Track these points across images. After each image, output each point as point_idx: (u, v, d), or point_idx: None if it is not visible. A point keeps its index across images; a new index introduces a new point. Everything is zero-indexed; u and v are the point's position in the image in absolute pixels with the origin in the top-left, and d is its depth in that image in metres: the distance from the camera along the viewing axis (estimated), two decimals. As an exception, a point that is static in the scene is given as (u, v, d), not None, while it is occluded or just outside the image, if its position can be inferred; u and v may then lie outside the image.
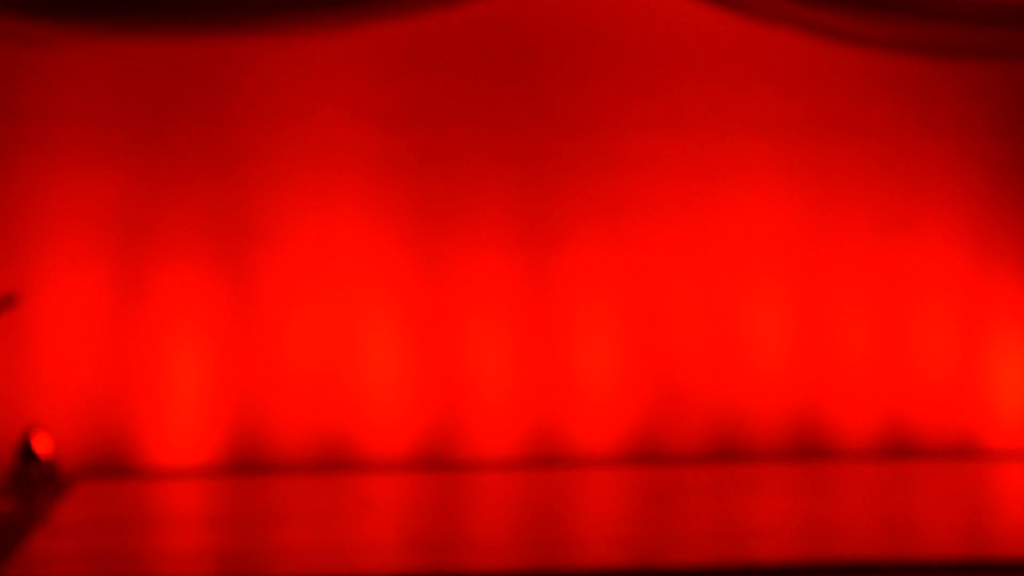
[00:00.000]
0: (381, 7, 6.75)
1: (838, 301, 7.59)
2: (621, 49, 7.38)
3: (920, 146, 7.67)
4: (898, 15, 6.87)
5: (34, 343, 6.72)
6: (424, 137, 7.17)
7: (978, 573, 3.91)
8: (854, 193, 7.61)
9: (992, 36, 7.07)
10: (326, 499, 5.72)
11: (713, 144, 7.44)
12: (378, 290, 7.09)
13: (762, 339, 7.49)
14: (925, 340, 7.65)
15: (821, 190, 7.60)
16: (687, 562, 4.02)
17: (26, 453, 6.38)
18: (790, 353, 7.53)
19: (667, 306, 7.42)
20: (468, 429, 7.17)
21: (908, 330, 7.65)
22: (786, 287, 7.55)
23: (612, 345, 7.37)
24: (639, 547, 4.32)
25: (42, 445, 6.41)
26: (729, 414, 7.44)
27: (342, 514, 5.16)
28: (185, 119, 6.89)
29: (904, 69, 7.56)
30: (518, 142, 7.29)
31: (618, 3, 7.35)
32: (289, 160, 7.02)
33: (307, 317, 7.02)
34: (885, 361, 7.61)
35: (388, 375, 7.10)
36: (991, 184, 7.78)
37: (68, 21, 6.26)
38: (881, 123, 7.62)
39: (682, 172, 7.43)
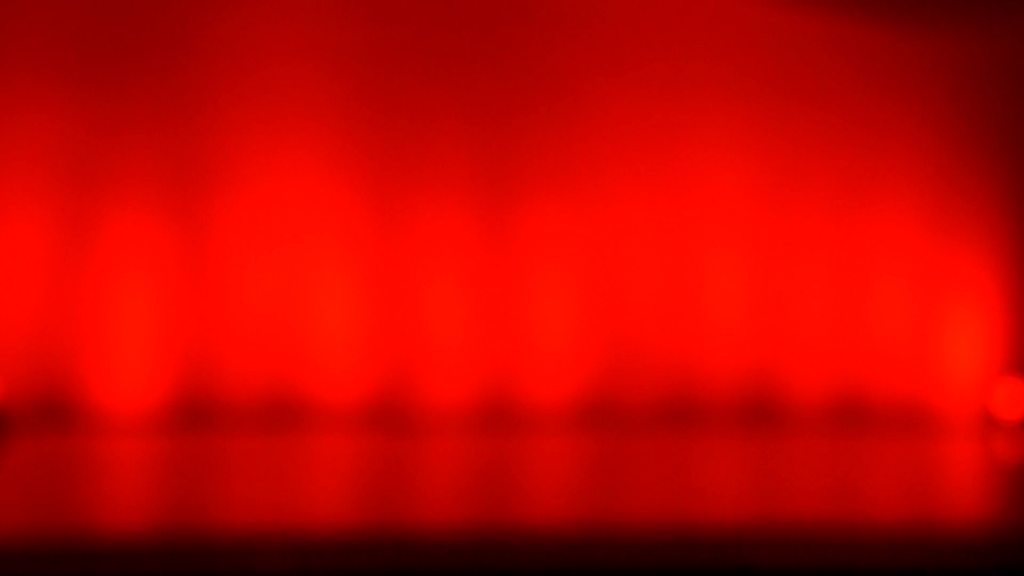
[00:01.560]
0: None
1: (795, 265, 7.60)
2: (586, 12, 7.33)
3: (880, 114, 7.67)
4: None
5: (-19, 285, 6.62)
6: (385, 89, 7.09)
7: (925, 537, 3.92)
8: (813, 159, 7.61)
9: (953, 6, 7.05)
10: (274, 449, 5.68)
11: (677, 105, 7.42)
12: (333, 240, 7.03)
13: (719, 300, 7.50)
14: (881, 305, 7.69)
15: (780, 154, 7.60)
16: (635, 524, 4.01)
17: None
18: (746, 314, 7.55)
19: (624, 264, 7.40)
20: (421, 381, 7.14)
21: (864, 295, 7.68)
22: (744, 249, 7.56)
23: (568, 301, 7.35)
24: (587, 507, 4.30)
25: (-12, 388, 6.32)
26: (684, 373, 7.46)
27: (289, 465, 5.12)
28: (141, 62, 6.78)
29: (865, 37, 7.56)
30: (481, 95, 7.22)
31: (584, -40, 7.29)
32: (246, 107, 6.93)
33: (260, 265, 6.95)
34: (841, 325, 7.64)
35: (341, 325, 7.06)
36: (949, 152, 7.80)
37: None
38: (841, 91, 7.62)
39: (642, 134, 7.41)
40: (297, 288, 7.01)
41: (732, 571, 3.72)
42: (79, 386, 6.68)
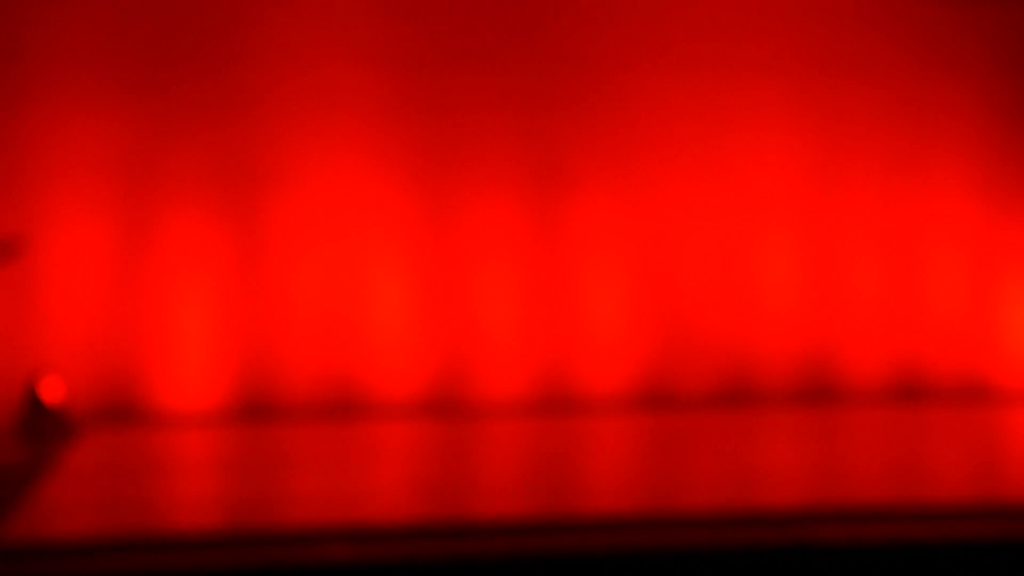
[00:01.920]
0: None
1: (848, 243, 7.56)
2: (630, -5, 7.31)
3: (931, 88, 7.60)
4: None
5: (42, 290, 6.72)
6: (432, 81, 7.12)
7: (987, 517, 3.91)
8: (865, 135, 7.56)
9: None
10: (335, 445, 5.74)
11: (723, 86, 7.38)
12: (386, 234, 7.08)
13: (772, 281, 7.47)
14: (936, 281, 7.63)
15: (832, 132, 7.55)
16: (696, 507, 4.02)
17: (34, 400, 6.39)
18: (800, 294, 7.51)
19: (677, 248, 7.39)
20: (477, 372, 7.18)
21: (919, 271, 7.63)
22: (796, 229, 7.52)
23: (621, 287, 7.36)
24: (647, 492, 4.32)
25: (51, 392, 6.42)
26: (739, 356, 7.44)
27: (351, 460, 5.17)
28: (191, 64, 6.84)
29: (915, 11, 7.49)
30: (526, 86, 7.23)
31: (626, -56, 7.27)
32: (296, 105, 6.98)
33: (315, 262, 7.01)
34: (896, 302, 7.59)
35: (396, 319, 7.10)
36: (1002, 126, 7.72)
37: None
38: (892, 65, 7.55)
39: (692, 114, 7.38)
40: (352, 284, 7.06)
41: (795, 551, 3.72)
42: (141, 385, 6.77)
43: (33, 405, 6.42)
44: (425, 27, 7.21)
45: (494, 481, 4.78)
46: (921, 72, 7.69)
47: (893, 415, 6.69)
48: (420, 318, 7.18)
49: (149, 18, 6.89)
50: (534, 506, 4.14)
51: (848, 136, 7.64)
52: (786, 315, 7.53)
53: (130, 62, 6.88)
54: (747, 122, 7.53)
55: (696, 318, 7.43)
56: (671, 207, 7.44)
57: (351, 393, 7.10)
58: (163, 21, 6.91)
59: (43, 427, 6.31)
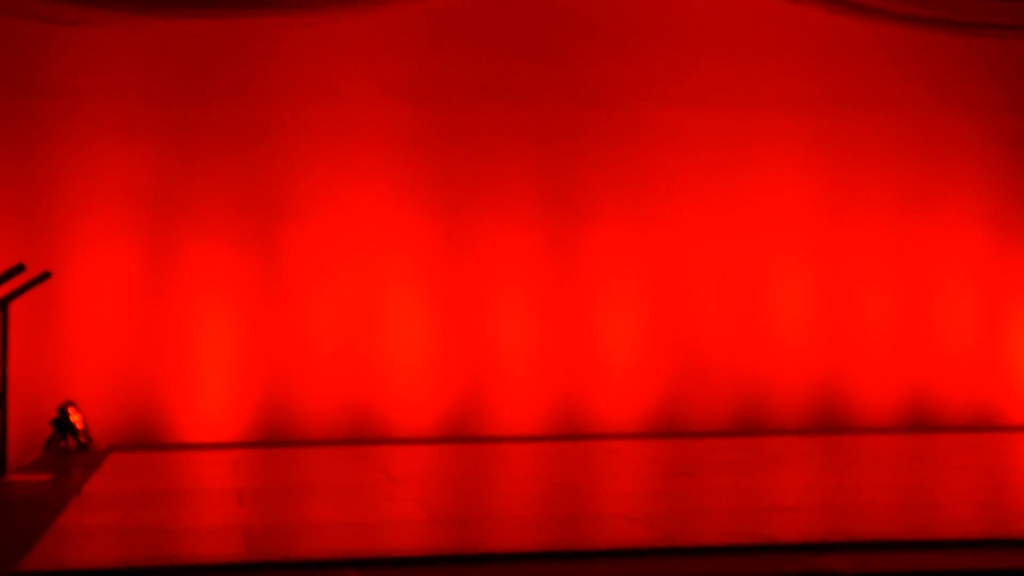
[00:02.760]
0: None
1: (860, 276, 7.61)
2: (645, 25, 7.40)
3: (942, 122, 7.67)
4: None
5: (66, 318, 6.81)
6: (450, 113, 7.21)
7: (997, 549, 3.95)
8: (876, 168, 7.63)
9: (1014, 12, 7.05)
10: (353, 474, 5.79)
11: (737, 120, 7.47)
12: (404, 265, 7.16)
13: (785, 313, 7.53)
14: (946, 315, 7.67)
15: (844, 165, 7.62)
16: (710, 539, 4.07)
17: (60, 426, 6.47)
18: (813, 327, 7.56)
19: (691, 281, 7.46)
20: (493, 403, 7.24)
21: (929, 305, 7.67)
22: (809, 262, 7.58)
23: (636, 320, 7.41)
24: (662, 524, 4.37)
25: (75, 419, 6.50)
26: (752, 388, 7.49)
27: (369, 490, 5.22)
28: (214, 95, 6.95)
29: (926, 45, 7.56)
30: (543, 118, 7.32)
31: (641, -20, 7.37)
32: (317, 136, 7.08)
33: (334, 292, 7.09)
34: (907, 335, 7.64)
35: (414, 350, 7.17)
36: (1012, 159, 7.78)
37: (96, 3, 6.32)
38: (903, 99, 7.62)
39: (706, 147, 7.46)
40: (370, 314, 7.14)
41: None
42: (162, 413, 6.84)
43: (59, 431, 6.50)
44: (444, 61, 7.31)
45: (509, 513, 4.83)
46: (932, 106, 7.75)
47: (904, 447, 6.71)
48: (437, 348, 7.26)
49: (173, 51, 7.00)
50: (548, 536, 4.19)
51: (860, 169, 7.71)
52: (798, 347, 7.58)
53: (154, 94, 6.99)
54: (761, 155, 7.61)
55: (710, 350, 7.50)
56: (686, 239, 7.51)
57: (369, 422, 7.16)
58: (187, 54, 7.02)
59: (69, 453, 6.38)
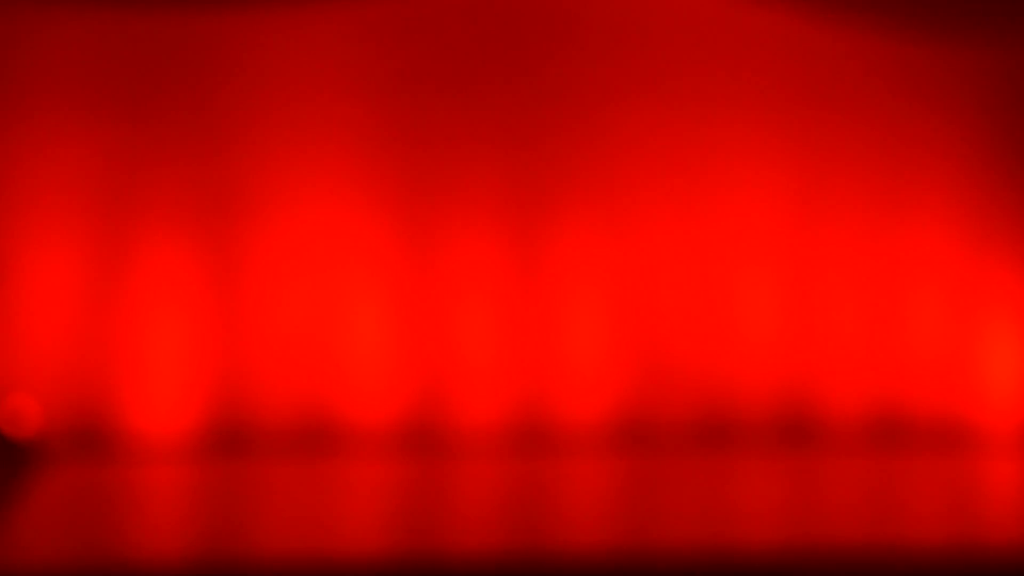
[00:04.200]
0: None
1: (829, 281, 7.55)
2: (613, 28, 7.32)
3: (913, 127, 7.62)
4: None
5: (15, 314, 6.67)
6: (411, 111, 7.11)
7: (966, 558, 3.88)
8: (847, 171, 7.57)
9: (987, 17, 7.00)
10: (308, 475, 5.69)
11: (705, 121, 7.39)
12: (365, 266, 7.05)
13: (752, 318, 7.46)
14: (917, 320, 7.63)
15: (814, 168, 7.55)
16: (670, 548, 3.98)
17: (4, 427, 6.34)
18: (780, 332, 7.50)
19: (657, 282, 7.38)
20: (454, 402, 7.14)
21: (900, 310, 7.62)
22: (776, 266, 7.52)
23: (600, 322, 7.33)
24: (621, 530, 4.28)
25: (22, 419, 6.37)
26: (718, 391, 7.42)
27: (324, 491, 5.12)
28: (169, 93, 6.82)
29: (898, 50, 7.51)
30: (506, 116, 7.23)
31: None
32: (274, 134, 6.96)
33: (293, 290, 6.98)
34: (877, 341, 7.58)
35: (374, 348, 7.07)
36: (983, 165, 7.74)
37: (52, 3, 6.20)
38: (875, 103, 7.57)
39: (673, 148, 7.39)
40: (329, 314, 7.03)
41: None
42: (114, 414, 6.71)
43: (4, 431, 6.36)
44: (407, 59, 7.21)
45: (468, 518, 4.74)
46: (903, 111, 7.70)
47: (871, 453, 6.66)
48: (398, 348, 7.15)
49: (129, 46, 6.87)
50: (507, 543, 4.10)
51: (830, 172, 7.65)
52: (766, 350, 7.51)
53: (110, 91, 6.85)
54: (729, 157, 7.53)
55: (675, 352, 7.42)
56: (652, 241, 7.43)
57: (327, 421, 7.05)
58: (143, 49, 6.89)
59: (13, 454, 6.25)
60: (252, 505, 4.89)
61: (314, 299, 7.04)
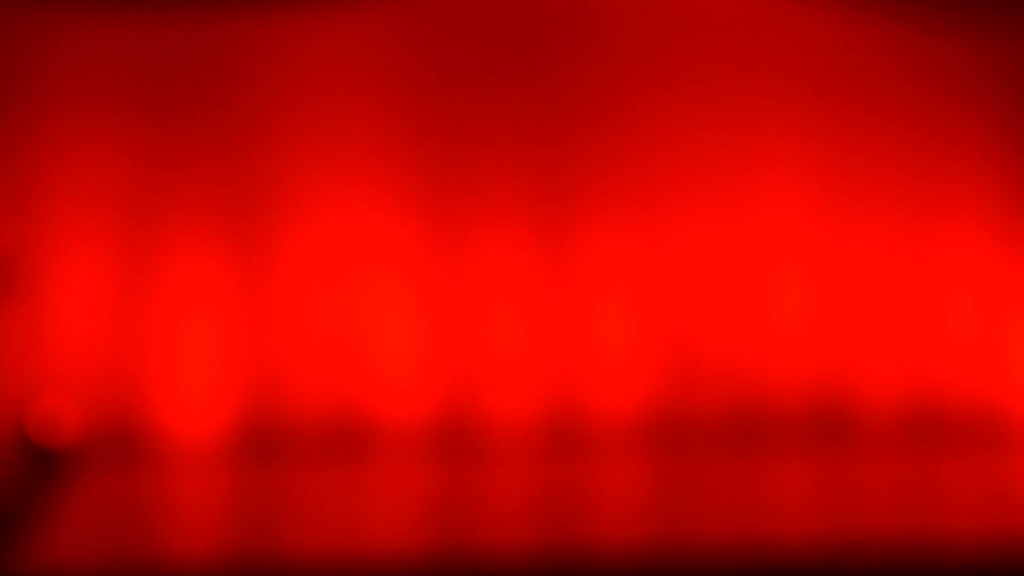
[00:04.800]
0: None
1: (861, 276, 7.50)
2: (641, 29, 7.29)
3: (944, 121, 7.56)
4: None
5: (47, 317, 6.69)
6: (439, 110, 7.10)
7: (1004, 552, 3.84)
8: (878, 167, 7.52)
9: (1019, 14, 6.93)
10: (341, 476, 5.69)
11: (735, 113, 7.35)
12: (394, 264, 7.04)
13: (784, 314, 7.41)
14: (951, 315, 7.56)
15: (845, 163, 7.50)
16: (704, 548, 3.96)
17: (35, 431, 6.35)
18: (813, 328, 7.45)
19: (688, 279, 7.34)
20: (485, 402, 7.12)
21: (933, 305, 7.56)
22: (809, 262, 7.47)
23: (631, 318, 7.30)
24: (656, 525, 4.26)
25: (53, 422, 6.38)
26: (751, 388, 7.37)
27: (357, 492, 5.11)
28: (197, 95, 6.83)
29: (930, 48, 7.44)
30: (535, 113, 7.20)
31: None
32: (302, 134, 6.96)
33: (322, 292, 6.97)
34: (910, 336, 7.52)
35: (405, 349, 7.06)
36: (1014, 158, 7.68)
37: (78, 5, 6.21)
38: (905, 98, 7.51)
39: (704, 142, 7.34)
40: (359, 315, 7.02)
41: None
42: (146, 418, 6.72)
43: (34, 436, 6.37)
44: (435, 58, 7.19)
45: (502, 517, 4.72)
46: (934, 105, 7.64)
47: (907, 448, 6.62)
48: (428, 348, 7.13)
49: (157, 49, 6.88)
50: (540, 541, 4.08)
51: (861, 167, 7.59)
52: (798, 347, 7.46)
53: (138, 92, 6.86)
54: (759, 152, 7.49)
55: (707, 349, 7.37)
56: (683, 238, 7.39)
57: (358, 423, 7.04)
58: (171, 52, 6.90)
59: (46, 456, 6.26)
60: (285, 506, 4.89)
61: (344, 299, 7.03)
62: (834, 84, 7.51)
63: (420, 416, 7.11)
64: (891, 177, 7.61)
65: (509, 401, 7.18)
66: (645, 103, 7.33)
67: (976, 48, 7.64)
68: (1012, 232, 7.73)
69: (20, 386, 6.56)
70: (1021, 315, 7.74)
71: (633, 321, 7.33)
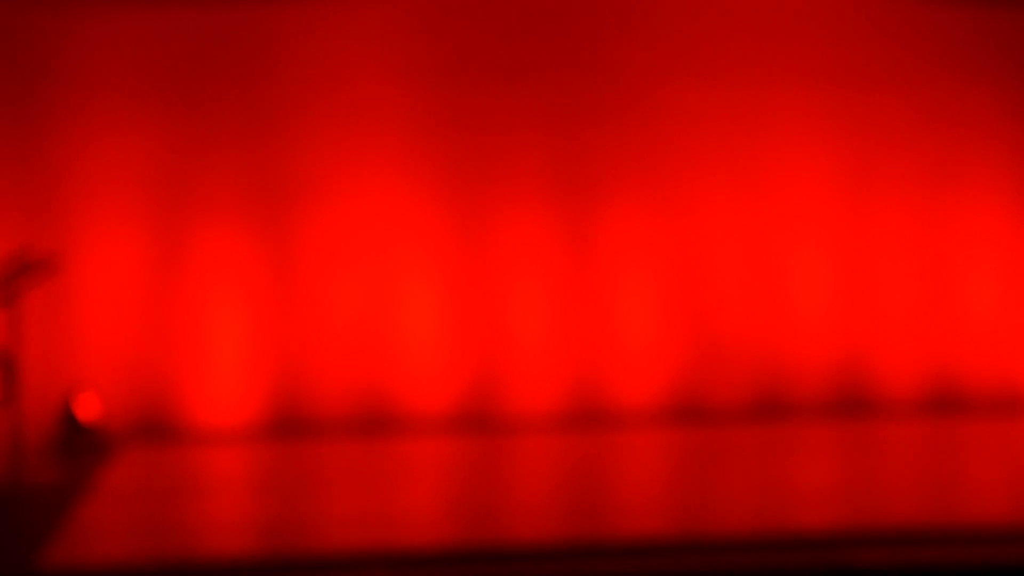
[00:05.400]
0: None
1: (881, 253, 7.52)
2: (661, 16, 7.27)
3: (964, 97, 7.55)
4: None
5: (77, 307, 6.75)
6: (462, 96, 7.12)
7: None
8: (896, 145, 7.52)
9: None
10: (369, 463, 5.74)
11: (754, 97, 7.35)
12: (418, 249, 7.08)
13: (806, 294, 7.43)
14: (971, 293, 7.57)
15: (864, 143, 7.51)
16: (729, 529, 4.00)
17: (70, 418, 6.42)
18: (834, 308, 7.47)
19: (709, 260, 7.37)
20: (509, 384, 7.17)
21: (953, 283, 7.57)
22: (829, 240, 7.48)
23: (653, 300, 7.33)
24: (679, 512, 4.30)
25: (87, 409, 6.45)
26: (772, 368, 7.40)
27: (385, 479, 5.17)
28: (223, 83, 6.86)
29: (947, 19, 7.43)
30: (556, 99, 7.22)
31: (656, -44, 7.25)
32: (328, 122, 6.99)
33: (347, 276, 7.02)
34: (931, 314, 7.54)
35: (428, 333, 7.10)
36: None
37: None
38: (923, 76, 7.50)
39: (723, 125, 7.35)
40: (384, 298, 7.07)
41: (832, 573, 3.70)
42: (177, 399, 6.79)
43: (69, 423, 6.44)
44: (457, 44, 7.21)
45: (527, 501, 4.78)
46: (952, 82, 7.63)
47: (929, 428, 6.64)
48: (452, 331, 7.17)
49: (182, 37, 6.92)
50: (566, 528, 4.14)
51: (880, 147, 7.59)
52: (819, 326, 7.48)
53: (164, 81, 6.90)
54: (778, 134, 7.49)
55: (729, 329, 7.40)
56: (703, 220, 7.41)
57: (384, 406, 7.10)
58: (196, 40, 6.94)
59: (80, 445, 6.33)
60: (315, 495, 4.95)
61: (369, 285, 7.07)
62: (851, 62, 7.49)
63: (445, 399, 7.16)
64: (910, 159, 7.61)
65: (533, 383, 7.21)
66: (668, 87, 7.33)
67: (995, 25, 7.62)
68: (1031, 210, 7.73)
69: (55, 372, 6.63)
70: (1041, 293, 7.75)
71: (656, 304, 7.36)
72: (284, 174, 6.96)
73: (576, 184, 7.26)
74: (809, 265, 7.46)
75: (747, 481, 4.96)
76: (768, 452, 5.78)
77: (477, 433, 6.83)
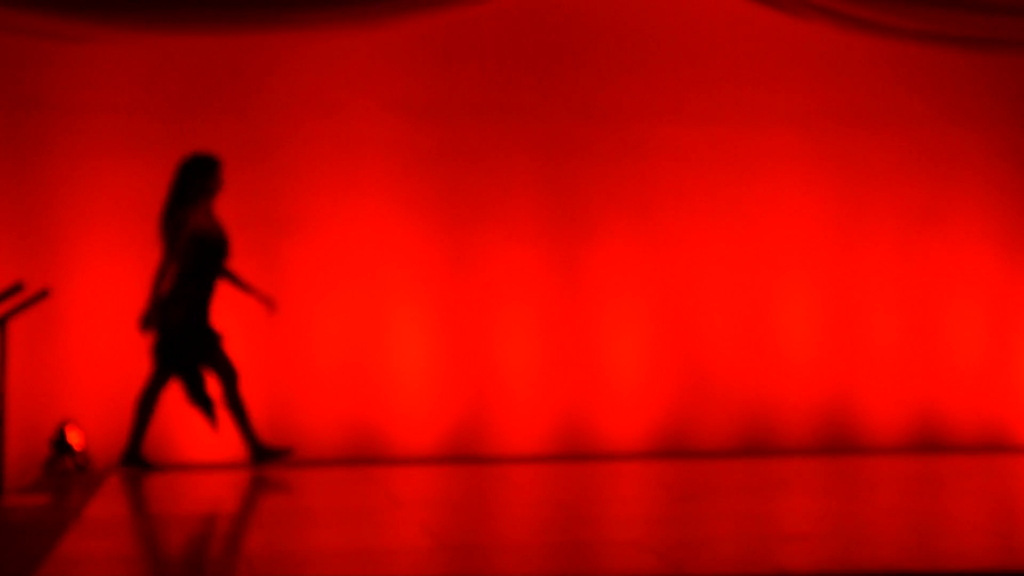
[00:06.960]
0: (411, 0, 6.72)
1: (868, 294, 7.56)
2: (650, 40, 7.35)
3: (950, 138, 7.62)
4: (929, 7, 6.81)
5: (65, 336, 6.74)
6: (453, 129, 7.16)
7: (1011, 568, 3.88)
8: (884, 185, 7.58)
9: (1018, 27, 6.98)
10: (354, 496, 5.73)
11: (743, 136, 7.42)
12: (407, 282, 7.10)
13: (792, 332, 7.47)
14: (955, 332, 7.62)
15: (851, 182, 7.56)
16: (719, 569, 4.00)
17: (59, 447, 6.40)
18: (820, 346, 7.50)
19: (696, 299, 7.40)
20: (496, 422, 7.17)
21: (938, 322, 7.62)
22: (816, 279, 7.53)
23: (641, 338, 7.35)
24: (670, 553, 4.30)
25: (75, 439, 6.43)
26: (758, 408, 7.42)
27: (370, 513, 5.16)
28: (215, 111, 6.89)
29: (934, 61, 7.51)
30: (547, 134, 7.27)
31: (647, -5, 7.33)
32: (318, 152, 7.03)
33: (336, 308, 7.03)
34: (915, 354, 7.58)
35: (417, 367, 7.11)
36: (1020, 176, 7.73)
37: (99, 17, 6.27)
38: (911, 115, 7.58)
39: (712, 164, 7.41)
40: (372, 331, 7.08)
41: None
42: (161, 432, 6.77)
43: (58, 453, 6.42)
44: (447, 77, 7.25)
45: (513, 538, 4.77)
46: (938, 123, 7.70)
47: (914, 468, 6.64)
48: (440, 365, 7.18)
49: (176, 67, 6.94)
50: (553, 566, 4.13)
51: (866, 187, 7.65)
52: (806, 365, 7.51)
53: (157, 110, 6.93)
54: (767, 172, 7.55)
55: (716, 368, 7.43)
56: (691, 257, 7.45)
57: (370, 442, 7.09)
58: (190, 70, 6.96)
59: (68, 475, 6.31)
60: (302, 528, 4.94)
61: (356, 316, 7.08)
62: (837, 101, 7.55)
63: (432, 429, 7.15)
64: (898, 199, 7.66)
65: (520, 416, 7.22)
66: (654, 119, 7.37)
67: (980, 66, 7.68)
68: (1016, 249, 7.77)
69: (41, 403, 6.61)
70: (1022, 333, 7.78)
71: (644, 343, 7.37)
72: (275, 203, 6.99)
73: (566, 220, 7.29)
74: (796, 306, 7.49)
75: (732, 521, 4.96)
76: (753, 491, 5.78)
77: (463, 462, 6.82)
